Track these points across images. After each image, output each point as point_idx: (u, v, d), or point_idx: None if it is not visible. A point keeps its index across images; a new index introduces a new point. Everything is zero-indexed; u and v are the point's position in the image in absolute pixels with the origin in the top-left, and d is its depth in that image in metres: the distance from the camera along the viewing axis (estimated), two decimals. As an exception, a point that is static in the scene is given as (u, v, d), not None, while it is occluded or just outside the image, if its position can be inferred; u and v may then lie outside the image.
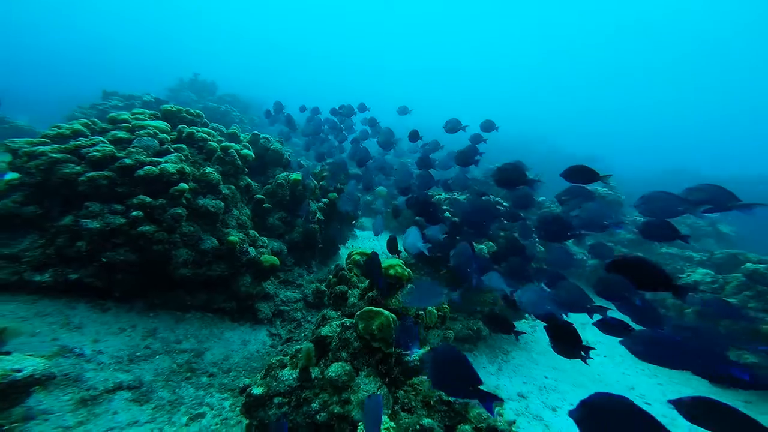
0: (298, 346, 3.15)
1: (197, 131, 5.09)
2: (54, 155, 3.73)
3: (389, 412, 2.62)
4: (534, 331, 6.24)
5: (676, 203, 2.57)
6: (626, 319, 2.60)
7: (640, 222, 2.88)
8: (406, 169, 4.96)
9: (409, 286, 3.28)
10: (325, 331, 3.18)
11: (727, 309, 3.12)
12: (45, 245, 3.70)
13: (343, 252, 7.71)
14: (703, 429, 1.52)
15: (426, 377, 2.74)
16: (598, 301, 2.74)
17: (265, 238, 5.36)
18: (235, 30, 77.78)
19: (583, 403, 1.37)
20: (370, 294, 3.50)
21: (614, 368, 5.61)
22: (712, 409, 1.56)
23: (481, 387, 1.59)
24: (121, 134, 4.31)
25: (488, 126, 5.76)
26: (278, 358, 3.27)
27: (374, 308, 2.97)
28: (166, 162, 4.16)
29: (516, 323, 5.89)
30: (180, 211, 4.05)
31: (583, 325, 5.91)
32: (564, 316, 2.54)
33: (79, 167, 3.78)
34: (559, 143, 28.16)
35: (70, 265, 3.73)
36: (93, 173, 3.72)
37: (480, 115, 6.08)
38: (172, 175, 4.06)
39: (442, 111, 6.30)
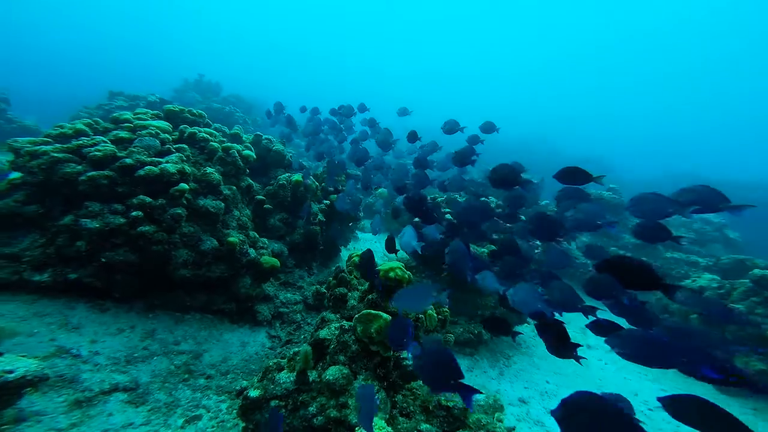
0: (296, 349, 3.12)
1: (199, 131, 5.10)
2: (55, 155, 3.74)
3: (387, 416, 2.58)
4: (536, 335, 6.17)
5: (666, 204, 2.62)
6: (622, 321, 2.58)
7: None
8: (402, 169, 4.98)
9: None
10: (323, 333, 3.14)
11: (717, 309, 3.11)
12: (45, 245, 3.70)
13: (345, 254, 7.68)
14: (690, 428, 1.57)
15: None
16: (590, 302, 2.75)
17: (265, 239, 5.34)
18: (239, 31, 78.55)
19: (564, 402, 1.40)
20: (369, 297, 3.46)
21: (616, 373, 5.52)
22: (696, 406, 1.62)
23: (480, 388, 1.60)
24: (123, 134, 4.32)
25: (488, 127, 5.73)
26: (275, 360, 3.23)
27: (373, 311, 2.93)
28: (166, 162, 4.16)
29: (519, 327, 5.86)
30: (180, 211, 4.04)
31: (584, 329, 5.84)
32: (558, 315, 2.56)
33: (80, 167, 3.78)
34: (562, 146, 28.06)
35: (69, 265, 3.73)
36: (93, 173, 3.72)
37: (482, 118, 6.05)
38: (173, 175, 4.05)
39: (443, 113, 6.29)
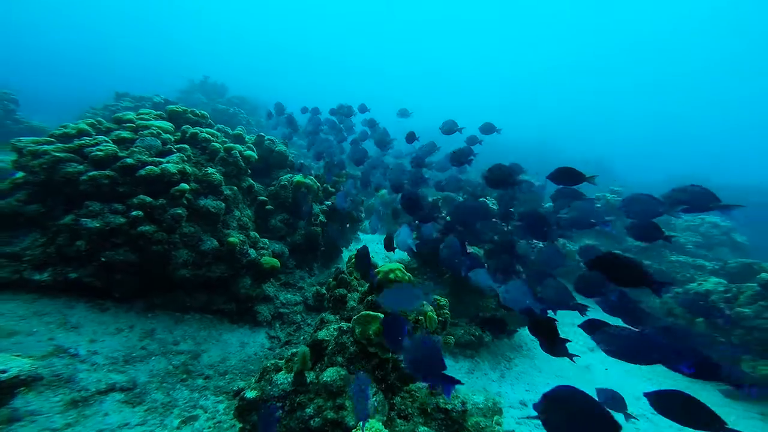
0: (294, 350, 3.09)
1: (201, 132, 5.11)
2: (57, 154, 3.76)
3: (384, 418, 2.54)
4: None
5: (656, 205, 2.72)
6: (616, 320, 2.59)
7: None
8: (399, 168, 5.03)
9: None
10: (321, 334, 3.11)
11: (703, 306, 3.13)
12: (46, 244, 3.71)
13: (346, 255, 7.66)
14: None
15: (423, 384, 2.66)
16: (582, 301, 2.78)
17: (266, 239, 5.33)
18: (242, 33, 79.28)
19: (545, 396, 1.45)
20: (369, 298, 3.43)
21: (619, 376, 5.43)
22: (678, 401, 1.71)
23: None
24: (125, 134, 4.34)
25: (488, 128, 5.71)
26: (273, 361, 3.21)
27: (371, 313, 2.90)
28: (167, 162, 4.17)
29: (522, 329, 5.80)
30: (180, 211, 4.04)
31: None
32: (553, 314, 2.61)
33: (81, 166, 3.80)
34: (565, 149, 27.92)
35: (69, 265, 3.73)
36: (95, 172, 3.73)
37: (484, 120, 6.01)
38: (174, 175, 4.06)
39: (444, 115, 6.29)
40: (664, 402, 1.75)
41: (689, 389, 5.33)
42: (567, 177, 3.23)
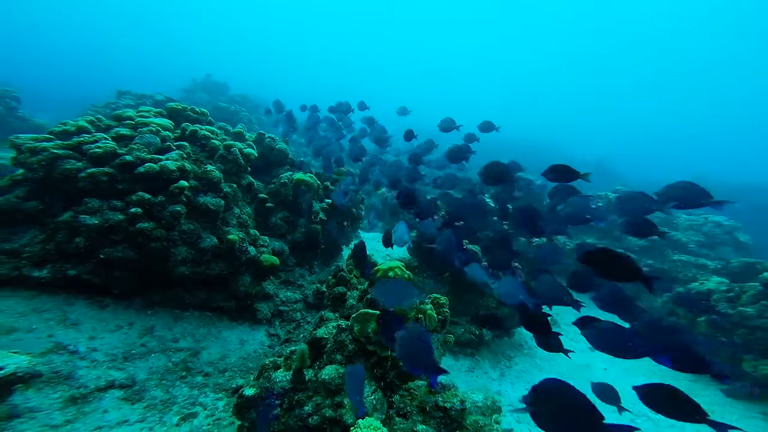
0: (294, 348, 3.08)
1: (200, 129, 5.10)
2: (55, 151, 3.75)
3: (383, 416, 2.53)
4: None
5: (647, 202, 2.82)
6: (609, 316, 2.64)
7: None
8: (395, 165, 5.10)
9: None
10: (320, 332, 3.10)
11: (694, 300, 3.22)
12: (45, 241, 3.71)
13: (346, 253, 7.65)
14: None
15: (422, 382, 2.64)
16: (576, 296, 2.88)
17: (266, 237, 5.32)
18: (245, 33, 79.30)
19: (534, 389, 1.50)
20: (368, 296, 3.42)
21: (619, 375, 5.41)
22: (665, 394, 1.81)
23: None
24: (124, 131, 4.33)
25: (487, 126, 5.73)
26: (272, 359, 3.20)
27: (370, 310, 2.88)
28: (167, 159, 4.16)
29: (522, 328, 5.78)
30: (179, 208, 4.03)
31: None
32: (548, 309, 2.69)
33: (80, 163, 3.79)
34: (568, 148, 27.81)
35: (69, 261, 3.73)
36: (93, 169, 3.72)
37: (486, 120, 6.02)
38: (173, 173, 4.05)
39: (445, 115, 6.29)
40: (652, 395, 1.84)
41: (690, 388, 5.32)
42: (561, 174, 3.29)
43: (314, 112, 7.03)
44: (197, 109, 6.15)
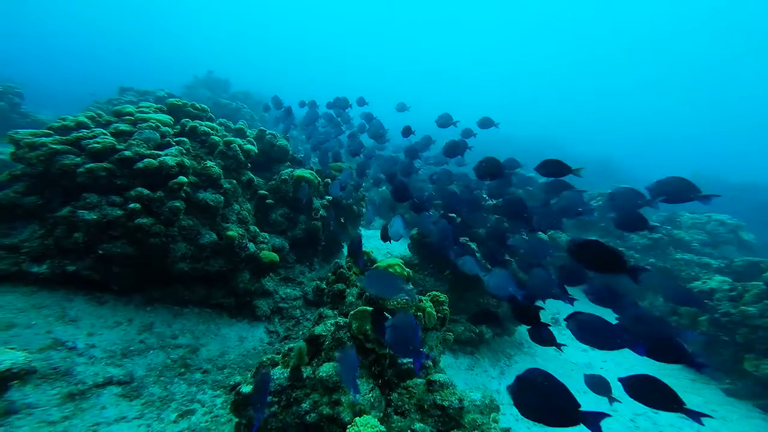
0: (292, 345, 3.07)
1: (200, 125, 5.07)
2: (54, 146, 3.73)
3: (381, 414, 2.51)
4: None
5: (636, 197, 2.96)
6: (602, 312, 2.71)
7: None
8: (391, 159, 5.21)
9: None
10: (318, 329, 3.09)
11: (681, 292, 3.37)
12: (44, 236, 3.70)
13: (347, 250, 7.63)
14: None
15: (420, 380, 2.62)
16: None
17: (266, 234, 5.31)
18: (247, 31, 79.12)
19: (518, 378, 1.58)
20: (367, 293, 3.40)
21: (618, 373, 5.38)
22: (647, 385, 1.92)
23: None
24: (123, 126, 4.31)
25: (486, 123, 5.76)
26: (270, 356, 3.19)
27: (369, 308, 2.86)
28: (166, 155, 4.14)
29: (522, 327, 5.75)
30: (178, 204, 4.02)
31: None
32: (542, 303, 2.80)
33: (78, 159, 3.78)
34: (571, 147, 27.65)
35: (67, 257, 3.72)
36: (92, 165, 3.71)
37: (493, 117, 6.05)
38: (172, 168, 4.03)
39: (450, 113, 6.33)
40: (635, 386, 1.95)
41: (691, 387, 5.28)
42: (553, 169, 3.40)
43: (313, 108, 7.05)
44: (198, 106, 6.13)
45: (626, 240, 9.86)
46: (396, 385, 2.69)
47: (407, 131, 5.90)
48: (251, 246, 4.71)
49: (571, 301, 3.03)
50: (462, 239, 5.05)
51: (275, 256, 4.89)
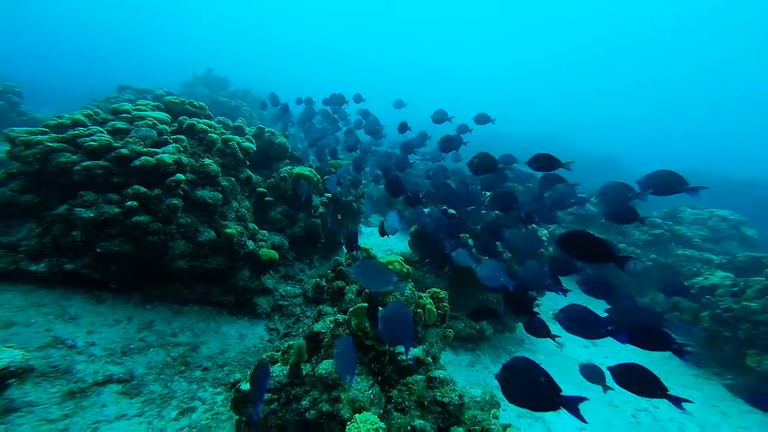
0: (291, 342, 3.06)
1: (198, 123, 5.04)
2: (50, 144, 3.71)
3: (381, 411, 2.50)
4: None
5: (626, 190, 3.05)
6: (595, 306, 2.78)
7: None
8: (386, 154, 5.28)
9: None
10: (318, 327, 3.07)
11: (672, 283, 3.51)
12: (41, 234, 3.69)
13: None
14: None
15: (420, 377, 2.61)
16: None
17: (265, 231, 5.29)
18: (247, 29, 78.83)
19: (504, 366, 1.70)
20: (367, 290, 3.38)
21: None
22: (635, 373, 2.03)
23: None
24: (120, 124, 4.28)
25: (483, 119, 5.80)
26: (269, 353, 3.18)
27: (367, 305, 2.85)
28: (163, 152, 4.11)
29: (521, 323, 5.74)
30: (176, 201, 4.00)
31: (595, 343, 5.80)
32: (536, 294, 3.01)
33: (75, 156, 3.75)
34: (573, 143, 27.56)
35: (65, 255, 3.71)
36: (88, 162, 3.68)
37: (494, 115, 6.05)
38: (169, 166, 4.00)
39: (449, 111, 6.37)
40: (623, 374, 2.05)
41: (694, 382, 5.26)
42: (543, 163, 3.50)
43: (309, 105, 7.06)
44: (195, 103, 6.10)
45: (627, 236, 9.83)
46: (396, 382, 2.68)
47: (403, 127, 5.94)
48: (250, 243, 4.69)
49: (564, 292, 3.12)
50: (462, 236, 5.05)
51: (274, 254, 4.88)
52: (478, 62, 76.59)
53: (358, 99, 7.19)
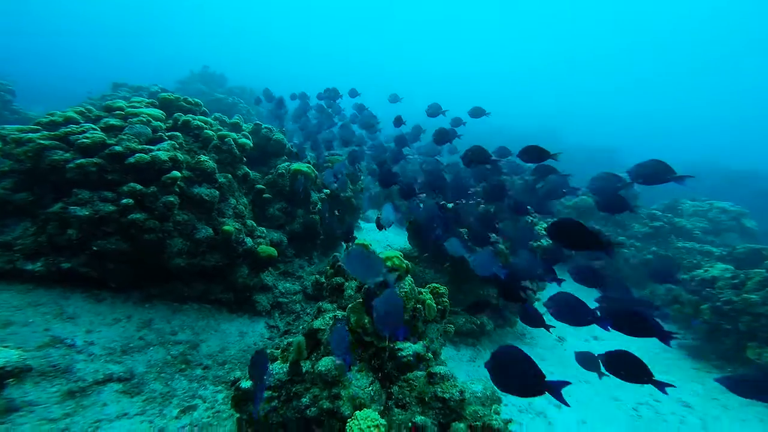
0: (291, 339, 3.04)
1: (193, 119, 4.98)
2: (42, 142, 3.66)
3: (381, 408, 2.49)
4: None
5: (615, 180, 3.13)
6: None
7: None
8: (380, 146, 5.35)
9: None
10: (317, 323, 3.06)
11: (664, 267, 3.59)
12: (37, 233, 3.65)
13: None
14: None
15: (421, 373, 2.60)
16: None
17: (264, 228, 5.26)
18: (245, 26, 78.02)
19: (493, 355, 1.75)
20: (366, 286, 3.36)
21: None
22: (624, 360, 2.11)
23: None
24: (114, 121, 4.22)
25: (477, 112, 5.82)
26: (269, 351, 3.16)
27: (367, 300, 2.83)
28: (158, 150, 4.06)
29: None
30: (172, 199, 3.96)
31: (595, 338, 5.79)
32: (529, 285, 3.13)
33: (68, 154, 3.70)
34: (571, 137, 27.48)
35: (62, 254, 3.68)
36: (82, 160, 3.64)
37: (492, 110, 6.04)
38: (165, 163, 3.95)
39: (449, 108, 6.40)
40: (612, 361, 2.13)
41: (695, 375, 5.27)
42: (533, 154, 3.56)
43: (304, 100, 7.03)
44: (191, 100, 6.02)
45: (627, 228, 9.82)
46: (396, 378, 2.66)
47: (398, 121, 5.94)
48: (249, 241, 4.66)
49: (559, 281, 3.17)
50: (460, 230, 5.06)
51: (273, 251, 4.85)
52: (477, 58, 76.08)
53: (353, 93, 7.19)
